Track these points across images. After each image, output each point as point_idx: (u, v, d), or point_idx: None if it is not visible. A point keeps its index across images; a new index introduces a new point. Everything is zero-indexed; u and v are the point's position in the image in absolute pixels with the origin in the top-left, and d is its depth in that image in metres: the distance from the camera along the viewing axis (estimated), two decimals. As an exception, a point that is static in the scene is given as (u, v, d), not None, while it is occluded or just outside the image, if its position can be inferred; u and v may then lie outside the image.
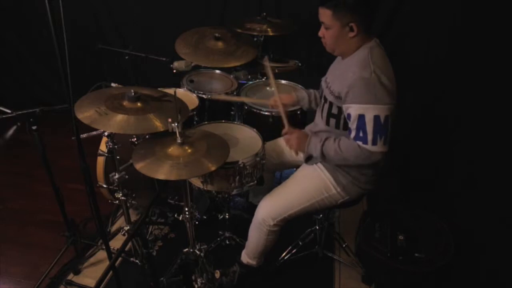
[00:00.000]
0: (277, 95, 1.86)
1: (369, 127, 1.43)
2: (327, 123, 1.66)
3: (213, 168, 1.42)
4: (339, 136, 1.62)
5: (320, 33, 1.56)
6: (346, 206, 1.84)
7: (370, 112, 1.42)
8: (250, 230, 1.85)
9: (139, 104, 1.54)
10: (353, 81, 1.44)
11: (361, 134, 1.46)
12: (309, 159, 1.78)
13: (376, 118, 1.42)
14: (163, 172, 1.36)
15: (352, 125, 1.49)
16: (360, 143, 1.47)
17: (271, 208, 1.76)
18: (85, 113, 1.44)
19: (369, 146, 1.46)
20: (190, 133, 1.57)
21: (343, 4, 1.42)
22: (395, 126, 1.56)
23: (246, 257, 1.96)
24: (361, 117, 1.44)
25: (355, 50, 1.52)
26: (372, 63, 1.45)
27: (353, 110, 1.46)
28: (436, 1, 2.37)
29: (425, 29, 2.46)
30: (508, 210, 1.77)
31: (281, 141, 2.01)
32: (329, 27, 1.49)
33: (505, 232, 1.77)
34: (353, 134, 1.49)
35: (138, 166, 1.40)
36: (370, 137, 1.44)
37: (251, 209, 1.83)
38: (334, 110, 1.60)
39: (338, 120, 1.61)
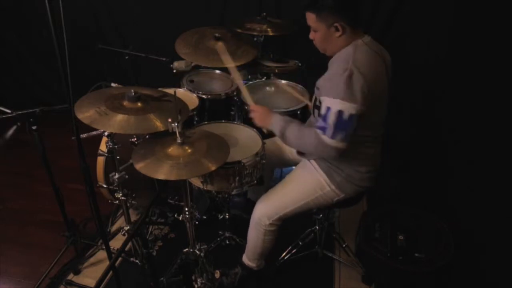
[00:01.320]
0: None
1: (331, 120, 1.44)
2: (313, 113, 1.68)
3: (213, 168, 1.42)
4: None
5: (310, 36, 1.60)
6: (345, 205, 1.83)
7: (335, 106, 1.43)
8: (248, 231, 1.86)
9: (139, 104, 1.54)
10: (330, 75, 1.49)
11: (323, 124, 1.47)
12: (301, 153, 1.80)
13: (340, 113, 1.43)
14: (163, 172, 1.36)
15: (320, 116, 1.51)
16: (319, 132, 1.48)
17: (266, 207, 1.77)
18: (85, 113, 1.44)
19: (325, 137, 1.47)
20: (190, 133, 1.57)
21: (324, 6, 1.47)
22: (395, 126, 1.57)
23: (246, 259, 1.97)
24: (328, 110, 1.45)
25: (344, 47, 1.54)
26: (352, 60, 1.46)
27: (323, 102, 1.48)
28: (436, 1, 2.37)
29: (425, 29, 2.46)
30: (508, 210, 1.77)
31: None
32: (316, 29, 1.54)
33: (505, 232, 1.77)
34: (317, 123, 1.51)
35: (138, 166, 1.40)
36: (330, 130, 1.45)
37: (250, 207, 1.83)
38: (317, 102, 1.62)
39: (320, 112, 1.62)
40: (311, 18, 1.52)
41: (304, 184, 1.76)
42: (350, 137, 1.47)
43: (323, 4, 1.46)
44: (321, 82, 1.53)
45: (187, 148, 1.47)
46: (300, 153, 1.83)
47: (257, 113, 1.75)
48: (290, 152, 1.97)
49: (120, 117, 1.46)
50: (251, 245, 1.89)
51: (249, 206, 1.84)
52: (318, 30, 1.53)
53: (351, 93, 1.42)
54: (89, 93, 1.62)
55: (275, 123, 1.66)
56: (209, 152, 1.48)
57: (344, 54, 1.52)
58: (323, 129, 1.47)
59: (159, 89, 2.14)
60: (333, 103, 1.44)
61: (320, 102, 1.56)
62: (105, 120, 1.43)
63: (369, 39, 1.56)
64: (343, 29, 1.49)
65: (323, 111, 1.47)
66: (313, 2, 1.48)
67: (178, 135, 1.44)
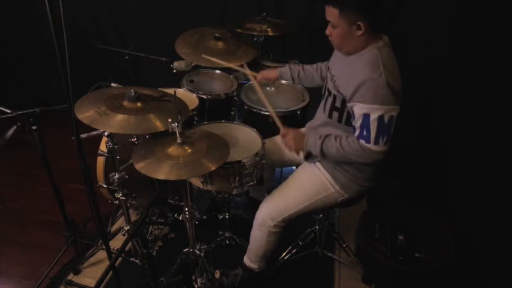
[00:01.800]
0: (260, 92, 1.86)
1: (373, 127, 1.43)
2: (330, 116, 1.65)
3: (213, 168, 1.41)
4: (339, 130, 1.62)
5: (327, 31, 1.54)
6: (347, 205, 1.84)
7: (375, 112, 1.42)
8: (251, 232, 1.85)
9: (139, 104, 1.54)
10: (362, 80, 1.43)
11: (364, 133, 1.46)
12: (308, 156, 1.78)
13: (380, 118, 1.42)
14: (163, 172, 1.36)
15: (356, 123, 1.49)
16: (362, 141, 1.48)
17: (270, 209, 1.76)
18: (85, 113, 1.43)
19: (371, 145, 1.47)
20: (190, 133, 1.57)
21: (350, 2, 1.42)
22: (395, 126, 1.57)
23: (248, 260, 1.96)
24: (365, 117, 1.44)
25: (363, 49, 1.51)
26: (381, 64, 1.44)
27: (358, 108, 1.46)
28: (436, 1, 2.37)
29: (425, 29, 2.46)
30: (508, 210, 1.77)
31: (279, 138, 2.01)
32: (336, 25, 1.48)
33: (505, 232, 1.77)
34: (357, 132, 1.49)
35: (138, 166, 1.40)
36: (373, 136, 1.45)
37: (252, 207, 1.84)
38: (338, 104, 1.59)
39: (341, 114, 1.60)
40: (333, 13, 1.45)
41: (308, 186, 1.75)
42: (391, 137, 1.47)
43: (350, 0, 1.42)
44: (350, 87, 1.48)
45: (187, 148, 1.47)
46: (306, 157, 1.79)
47: (289, 137, 1.69)
48: (290, 152, 1.97)
49: (120, 117, 1.46)
50: (253, 246, 1.88)
51: (251, 205, 1.84)
52: (338, 26, 1.47)
53: (389, 96, 1.41)
54: (89, 93, 1.62)
55: (312, 143, 1.61)
56: (209, 152, 1.48)
57: (369, 56, 1.48)
58: (366, 138, 1.46)
59: (159, 89, 2.15)
60: (371, 109, 1.42)
61: (342, 103, 1.55)
62: (105, 120, 1.43)
63: (387, 39, 1.55)
64: (366, 28, 1.45)
65: (360, 119, 1.45)
66: None
67: (178, 135, 1.44)
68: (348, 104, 1.52)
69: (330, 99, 1.63)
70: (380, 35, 1.54)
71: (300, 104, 2.16)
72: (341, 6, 1.43)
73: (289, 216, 1.75)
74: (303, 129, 1.85)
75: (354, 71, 1.48)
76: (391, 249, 1.91)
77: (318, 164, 1.75)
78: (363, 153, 1.50)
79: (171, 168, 1.38)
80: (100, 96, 1.56)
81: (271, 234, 1.79)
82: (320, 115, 1.75)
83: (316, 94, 2.05)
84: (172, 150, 1.45)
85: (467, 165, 2.20)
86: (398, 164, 2.65)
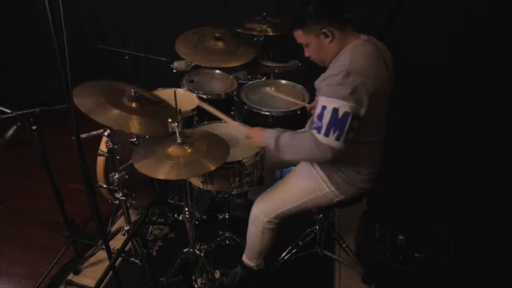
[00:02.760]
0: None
1: (326, 118, 1.44)
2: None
3: (213, 168, 1.41)
4: None
5: (306, 54, 1.62)
6: (344, 205, 1.83)
7: (330, 104, 1.43)
8: (248, 229, 1.86)
9: (136, 104, 1.53)
10: (326, 76, 1.49)
11: (318, 124, 1.47)
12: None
13: (334, 111, 1.42)
14: (163, 172, 1.36)
15: (315, 115, 1.50)
16: (315, 131, 1.48)
17: (263, 205, 1.78)
18: (83, 100, 1.41)
19: (321, 136, 1.46)
20: (190, 133, 1.57)
21: (307, 17, 1.50)
22: (395, 126, 1.57)
23: (246, 258, 1.97)
24: (323, 108, 1.45)
25: (339, 52, 1.54)
26: (349, 62, 1.45)
27: (319, 102, 1.48)
28: (436, 1, 2.37)
29: (425, 29, 2.46)
30: (508, 210, 1.77)
31: None
32: (308, 43, 1.56)
33: (505, 232, 1.77)
34: (314, 124, 1.51)
35: (138, 165, 1.40)
36: (324, 127, 1.45)
37: (251, 208, 1.83)
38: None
39: None
40: (299, 35, 1.56)
41: (302, 184, 1.76)
42: (346, 137, 1.44)
43: (305, 16, 1.50)
44: (317, 83, 1.53)
45: (187, 148, 1.47)
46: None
47: (253, 134, 1.73)
48: None
49: (116, 112, 1.44)
50: (250, 243, 1.89)
51: (250, 207, 1.84)
52: (310, 43, 1.55)
53: (346, 92, 1.41)
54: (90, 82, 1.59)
55: (268, 137, 1.63)
56: (209, 152, 1.48)
57: (341, 57, 1.51)
58: (318, 128, 1.46)
59: (159, 89, 2.15)
60: (328, 101, 1.43)
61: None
62: (102, 112, 1.42)
63: (366, 37, 1.55)
64: (332, 33, 1.50)
65: (318, 110, 1.47)
66: (296, 19, 1.53)
67: (178, 135, 1.44)
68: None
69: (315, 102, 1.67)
70: (355, 33, 1.55)
71: (300, 104, 2.16)
72: (301, 24, 1.53)
73: (283, 213, 1.75)
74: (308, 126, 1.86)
75: (327, 71, 1.53)
76: (391, 249, 1.91)
77: (315, 164, 1.75)
78: (312, 145, 1.48)
79: (171, 168, 1.38)
80: (101, 87, 1.55)
81: (265, 231, 1.79)
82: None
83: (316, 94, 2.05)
84: (172, 150, 1.45)
85: (467, 165, 2.20)
86: (398, 164, 2.65)
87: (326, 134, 1.45)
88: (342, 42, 1.52)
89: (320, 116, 1.45)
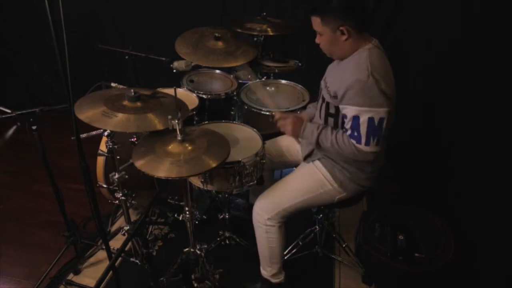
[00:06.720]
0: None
1: (363, 129, 1.46)
2: (326, 121, 1.67)
3: (213, 165, 1.40)
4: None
5: (316, 40, 1.60)
6: (345, 204, 1.83)
7: (364, 114, 1.44)
8: (255, 235, 1.84)
9: (139, 103, 1.53)
10: (350, 83, 1.45)
11: (355, 134, 1.48)
12: (308, 156, 1.79)
13: (370, 120, 1.44)
14: (163, 170, 1.36)
15: (347, 125, 1.52)
16: (354, 142, 1.50)
17: (264, 202, 1.76)
18: (86, 113, 1.42)
19: (362, 146, 1.49)
20: (191, 130, 1.57)
21: (329, 9, 1.47)
22: (395, 126, 1.57)
23: (261, 269, 1.93)
24: (355, 119, 1.46)
25: (352, 53, 1.54)
26: (370, 65, 1.45)
27: (348, 111, 1.49)
28: (436, 1, 2.37)
29: (425, 29, 2.46)
30: (508, 210, 1.77)
31: (281, 140, 2.01)
32: (321, 33, 1.54)
33: (505, 232, 1.77)
34: (348, 132, 1.52)
35: (138, 163, 1.39)
36: (363, 138, 1.47)
37: (252, 210, 1.83)
38: (332, 110, 1.61)
39: (336, 119, 1.62)
40: (316, 22, 1.53)
41: (305, 182, 1.76)
42: (383, 138, 1.49)
43: (328, 7, 1.47)
44: (340, 90, 1.50)
45: (187, 145, 1.46)
46: (305, 158, 1.81)
47: (287, 121, 1.70)
48: (290, 153, 1.97)
49: (120, 115, 1.44)
50: (259, 250, 1.86)
51: (251, 209, 1.83)
52: (323, 34, 1.53)
53: (378, 98, 1.42)
54: (88, 93, 1.61)
55: (309, 131, 1.63)
56: (209, 149, 1.47)
57: (358, 59, 1.50)
58: (357, 138, 1.48)
59: (159, 89, 2.15)
60: (361, 111, 1.44)
61: (335, 109, 1.56)
62: (107, 119, 1.42)
63: (377, 42, 1.56)
64: (349, 32, 1.48)
65: (350, 121, 1.48)
66: (318, 6, 1.49)
67: (178, 132, 1.44)
68: (340, 107, 1.54)
69: (324, 106, 1.66)
70: (370, 37, 1.55)
71: (300, 104, 2.16)
72: (322, 14, 1.49)
73: (284, 211, 1.74)
74: (304, 115, 1.85)
75: (344, 75, 1.50)
76: (391, 249, 1.91)
77: (317, 162, 1.75)
78: (354, 152, 1.52)
79: (171, 166, 1.37)
80: (99, 97, 1.55)
81: (268, 230, 1.77)
82: (317, 120, 1.76)
83: (316, 94, 2.05)
84: (173, 147, 1.45)
85: (467, 165, 2.21)
86: (398, 164, 2.65)
87: (367, 143, 1.48)
88: (357, 43, 1.52)
89: (356, 127, 1.47)
